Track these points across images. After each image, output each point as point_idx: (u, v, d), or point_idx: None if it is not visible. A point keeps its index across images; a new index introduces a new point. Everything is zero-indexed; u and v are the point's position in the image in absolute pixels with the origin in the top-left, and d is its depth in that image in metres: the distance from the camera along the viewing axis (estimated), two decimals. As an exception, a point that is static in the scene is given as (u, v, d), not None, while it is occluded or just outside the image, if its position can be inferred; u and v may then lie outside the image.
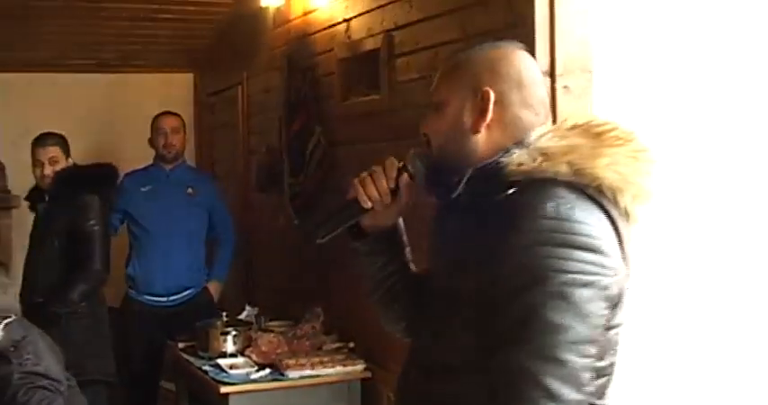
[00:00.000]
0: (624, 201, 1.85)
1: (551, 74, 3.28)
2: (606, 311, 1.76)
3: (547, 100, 2.05)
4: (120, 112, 7.44)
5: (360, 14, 4.72)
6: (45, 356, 3.26)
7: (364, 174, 2.08)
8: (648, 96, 3.44)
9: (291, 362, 4.46)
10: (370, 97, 4.61)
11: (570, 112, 3.21)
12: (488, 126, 1.95)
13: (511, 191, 1.84)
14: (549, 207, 1.76)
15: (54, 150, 5.13)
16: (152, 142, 5.86)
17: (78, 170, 5.19)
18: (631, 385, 3.14)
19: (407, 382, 2.07)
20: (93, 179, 5.15)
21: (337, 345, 4.74)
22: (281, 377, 4.42)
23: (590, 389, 1.74)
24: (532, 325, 1.71)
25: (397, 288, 2.22)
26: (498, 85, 1.95)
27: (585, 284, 1.72)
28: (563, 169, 1.83)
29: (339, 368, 4.48)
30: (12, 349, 3.17)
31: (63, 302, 4.88)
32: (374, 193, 2.04)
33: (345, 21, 4.88)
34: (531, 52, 3.16)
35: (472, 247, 1.86)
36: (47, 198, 5.11)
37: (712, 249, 3.59)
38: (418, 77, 4.14)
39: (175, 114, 5.96)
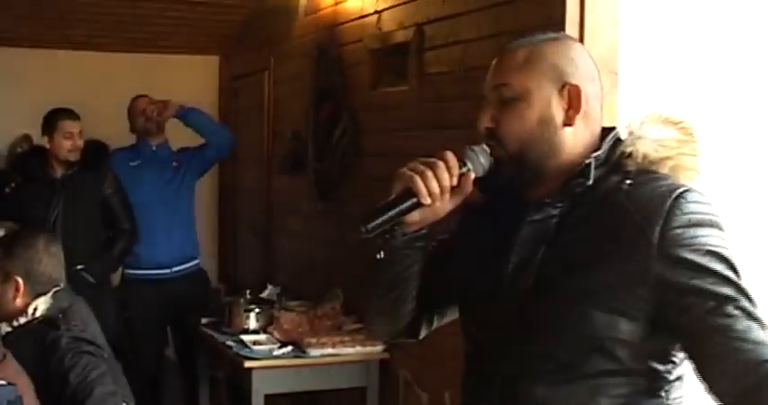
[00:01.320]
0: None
1: (578, 74, 3.41)
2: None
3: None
4: (147, 92, 7.55)
5: (391, 7, 4.86)
6: (91, 324, 3.39)
7: (420, 166, 1.92)
8: (672, 98, 3.55)
9: (313, 340, 4.62)
10: (399, 88, 4.75)
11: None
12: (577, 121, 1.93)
13: (628, 180, 1.86)
14: (694, 193, 1.81)
15: (81, 124, 5.37)
16: (133, 124, 5.98)
17: (99, 143, 5.51)
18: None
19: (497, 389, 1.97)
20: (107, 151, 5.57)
21: (357, 325, 4.89)
22: (302, 354, 4.59)
23: None
24: (725, 288, 1.76)
25: (411, 288, 2.12)
26: (580, 77, 1.93)
27: (733, 259, 1.80)
28: (671, 163, 1.88)
29: (359, 348, 4.64)
30: (60, 316, 3.30)
31: (106, 264, 5.30)
32: (435, 189, 1.90)
33: (377, 12, 5.02)
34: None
35: (604, 238, 1.83)
36: (70, 169, 5.30)
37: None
38: (447, 71, 4.28)
39: (142, 96, 6.06)
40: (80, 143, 5.31)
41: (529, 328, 1.91)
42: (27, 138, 7.36)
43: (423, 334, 2.26)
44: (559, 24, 3.45)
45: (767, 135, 3.76)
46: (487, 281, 2.00)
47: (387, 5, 4.91)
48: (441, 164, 1.91)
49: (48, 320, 3.29)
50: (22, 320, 3.32)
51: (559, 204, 1.92)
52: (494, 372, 1.98)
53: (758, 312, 1.76)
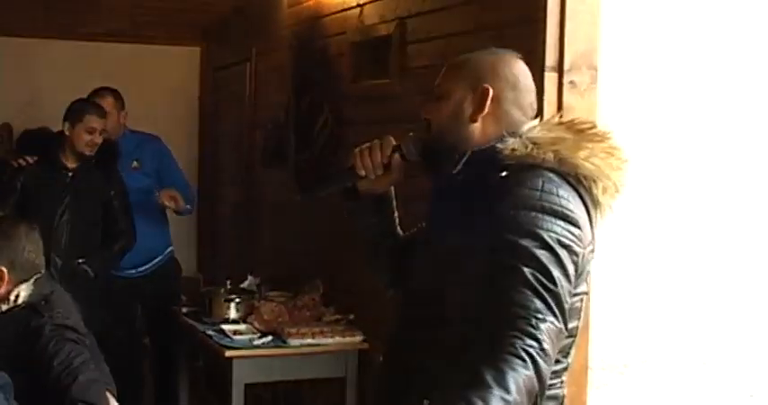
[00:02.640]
0: (597, 191, 2.20)
1: (559, 69, 3.45)
2: (573, 274, 2.08)
3: (535, 105, 2.38)
4: (128, 82, 7.54)
5: (373, 0, 4.89)
6: (73, 311, 3.42)
7: (365, 145, 2.44)
8: (651, 93, 3.60)
9: (293, 330, 4.66)
10: (380, 81, 4.78)
11: (575, 106, 3.42)
12: (484, 117, 2.30)
13: (504, 173, 2.17)
14: (539, 182, 2.12)
15: (105, 122, 5.25)
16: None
17: (112, 142, 5.42)
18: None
19: (398, 331, 2.42)
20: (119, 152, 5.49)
21: (337, 316, 4.94)
22: (282, 344, 4.62)
23: (566, 322, 2.05)
24: (524, 260, 2.03)
25: (384, 246, 2.63)
26: (496, 83, 2.31)
27: (564, 246, 2.07)
28: (549, 157, 2.18)
29: (338, 338, 4.68)
30: (43, 303, 3.32)
31: (107, 260, 5.29)
32: (368, 164, 2.41)
33: (359, 6, 5.04)
34: (541, 48, 3.42)
35: (471, 218, 2.19)
36: (82, 163, 5.22)
37: (710, 241, 3.76)
38: (428, 65, 4.31)
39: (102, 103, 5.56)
40: (99, 140, 5.20)
41: (424, 291, 2.34)
42: (6, 126, 7.38)
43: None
44: (540, 20, 3.49)
45: (749, 128, 3.80)
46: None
47: (369, -1, 4.95)
48: (376, 145, 2.43)
49: (31, 307, 3.31)
50: (4, 308, 3.33)
51: (452, 189, 2.33)
52: (392, 334, 2.46)
53: (542, 284, 2.00)
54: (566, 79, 3.47)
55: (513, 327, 1.95)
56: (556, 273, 2.02)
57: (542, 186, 2.11)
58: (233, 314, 5.01)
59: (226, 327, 4.82)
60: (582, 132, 2.26)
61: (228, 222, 7.22)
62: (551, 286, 2.01)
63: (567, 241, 2.07)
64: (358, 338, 4.70)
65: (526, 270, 2.00)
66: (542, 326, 1.96)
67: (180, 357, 5.67)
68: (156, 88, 6.70)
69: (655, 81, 3.65)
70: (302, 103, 5.65)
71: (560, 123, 2.32)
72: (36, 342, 3.18)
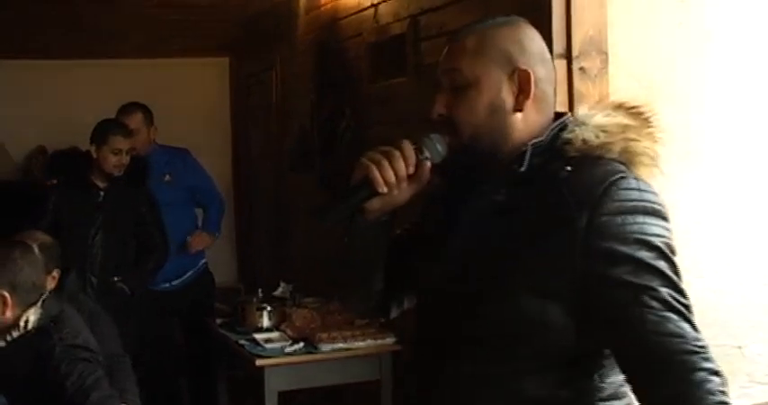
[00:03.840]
0: (642, 177, 1.91)
1: (568, 56, 3.38)
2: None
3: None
4: (160, 96, 7.58)
5: (387, 0, 4.86)
6: (82, 329, 3.41)
7: (377, 155, 1.94)
8: (662, 78, 3.53)
9: (324, 335, 4.63)
10: (397, 80, 4.75)
11: (587, 93, 3.36)
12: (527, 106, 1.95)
13: (569, 167, 1.86)
14: (630, 179, 1.82)
15: (131, 141, 5.25)
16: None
17: (141, 159, 5.41)
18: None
19: (430, 357, 2.03)
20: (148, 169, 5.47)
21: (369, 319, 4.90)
22: (314, 350, 4.59)
23: None
24: (646, 277, 1.77)
25: (378, 269, 2.15)
26: (529, 61, 1.94)
27: (670, 248, 1.81)
28: (618, 147, 1.89)
29: (370, 341, 4.64)
30: (52, 325, 3.32)
31: (144, 277, 5.30)
32: (391, 178, 1.92)
33: (373, 6, 5.02)
34: (549, 34, 3.35)
35: (538, 223, 1.84)
36: (112, 182, 5.21)
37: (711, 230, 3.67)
38: (442, 61, 4.27)
39: (130, 120, 5.64)
40: (126, 160, 5.17)
41: (460, 312, 1.93)
42: (41, 149, 7.44)
43: (393, 314, 2.31)
44: (547, 7, 3.44)
45: (760, 112, 3.72)
46: (429, 266, 2.03)
47: (383, -2, 4.92)
48: (397, 153, 1.92)
49: (40, 331, 3.30)
50: (16, 334, 3.32)
51: (502, 190, 1.92)
52: (430, 353, 2.02)
53: (680, 302, 1.76)
54: (575, 66, 3.40)
55: (694, 366, 1.71)
56: (681, 283, 1.78)
57: (638, 185, 1.82)
58: (266, 322, 4.99)
59: (258, 335, 4.81)
60: (638, 117, 1.94)
61: (264, 230, 7.21)
62: (685, 300, 1.77)
63: (672, 242, 1.82)
64: (390, 340, 4.66)
65: (663, 290, 1.76)
66: (709, 353, 1.74)
67: (217, 368, 5.67)
68: (186, 101, 6.70)
69: (667, 64, 3.57)
70: (324, 106, 5.64)
71: (617, 107, 1.96)
72: (48, 364, 3.18)
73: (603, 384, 1.88)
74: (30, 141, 7.39)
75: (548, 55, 2.00)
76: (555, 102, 2.00)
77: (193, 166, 6.01)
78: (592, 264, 1.79)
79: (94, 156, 5.15)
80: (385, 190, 1.92)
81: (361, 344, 4.62)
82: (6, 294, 3.30)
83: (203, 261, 6.00)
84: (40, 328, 3.30)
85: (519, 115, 1.93)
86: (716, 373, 1.72)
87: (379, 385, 4.72)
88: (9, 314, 3.31)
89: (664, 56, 3.54)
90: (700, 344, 1.73)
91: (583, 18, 3.43)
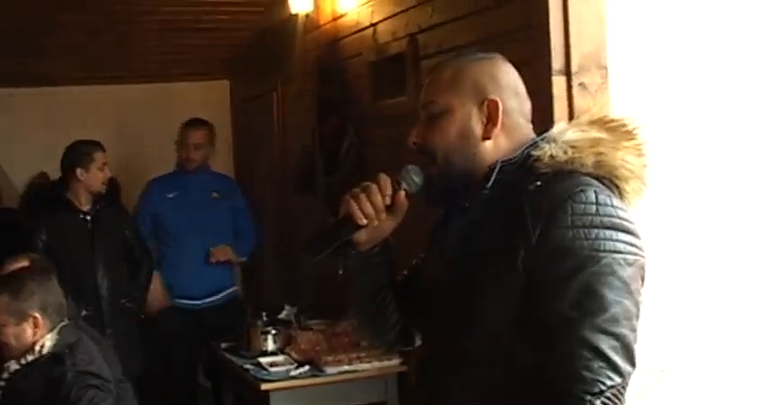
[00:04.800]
0: (629, 191, 1.98)
1: (567, 72, 3.36)
2: (641, 289, 1.89)
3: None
4: (159, 120, 7.59)
5: (385, 19, 4.86)
6: (96, 357, 3.43)
7: (357, 190, 2.07)
8: (664, 91, 3.51)
9: (330, 358, 4.60)
10: (397, 99, 4.73)
11: (586, 108, 3.33)
12: (496, 133, 2.04)
13: (538, 182, 1.92)
14: (590, 193, 1.87)
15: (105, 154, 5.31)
16: (178, 149, 6.01)
17: (111, 177, 5.47)
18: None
19: (433, 374, 2.10)
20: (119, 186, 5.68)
21: (375, 341, 4.87)
22: (319, 373, 4.56)
23: (635, 361, 1.86)
24: (590, 302, 1.81)
25: (387, 300, 2.26)
26: (501, 93, 2.04)
27: (630, 264, 1.85)
28: (589, 161, 1.94)
29: (376, 363, 4.60)
30: (66, 351, 3.35)
31: (141, 292, 5.45)
32: (370, 211, 2.05)
33: (372, 25, 5.02)
34: (547, 51, 3.33)
35: (502, 237, 1.91)
36: (96, 204, 5.28)
37: (722, 242, 3.65)
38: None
39: (204, 125, 6.01)
40: (109, 173, 5.29)
41: (444, 322, 2.05)
42: (43, 175, 7.42)
43: (418, 341, 2.35)
44: (544, 24, 3.41)
45: (759, 126, 3.70)
46: (431, 282, 2.14)
47: (381, 17, 4.92)
48: (373, 187, 2.07)
49: (54, 356, 3.34)
50: (30, 358, 3.38)
51: (478, 208, 2.02)
52: (432, 362, 2.11)
53: (606, 333, 1.80)
54: (575, 81, 3.38)
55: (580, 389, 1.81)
56: (621, 309, 1.82)
57: (597, 198, 1.87)
58: (270, 346, 4.95)
59: (263, 359, 4.78)
60: (615, 131, 2.01)
61: (269, 253, 7.18)
62: (616, 330, 1.81)
63: (632, 258, 1.86)
64: (396, 362, 4.62)
65: (587, 326, 1.80)
66: (611, 392, 1.80)
67: (226, 393, 5.64)
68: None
69: (668, 78, 3.55)
70: (327, 126, 5.63)
71: (592, 122, 2.04)
72: (59, 390, 3.21)
73: None
74: (32, 168, 7.39)
75: (522, 89, 2.10)
76: (528, 129, 2.09)
77: (238, 193, 6.23)
78: (537, 276, 1.85)
79: (81, 178, 5.20)
80: (365, 222, 2.06)
81: (366, 366, 4.59)
82: (39, 316, 3.36)
83: (234, 288, 6.08)
84: (55, 353, 3.33)
85: (488, 143, 2.04)
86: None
87: (385, 407, 4.69)
88: (37, 336, 3.37)
89: (663, 70, 3.53)
90: (595, 390, 1.78)
91: (581, 34, 3.41)
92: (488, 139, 2.03)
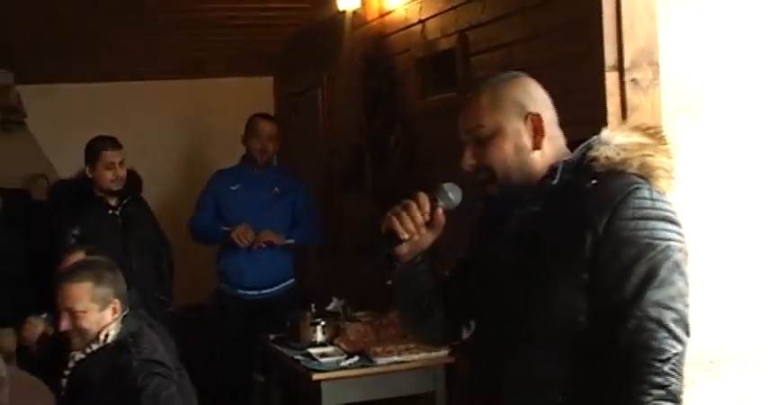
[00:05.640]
0: (663, 189, 2.21)
1: (620, 68, 3.42)
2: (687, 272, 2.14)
3: None
4: (205, 116, 7.70)
5: (434, 16, 4.92)
6: (158, 346, 3.51)
7: (398, 208, 2.33)
8: (713, 88, 3.54)
9: (379, 349, 4.67)
10: (447, 95, 4.79)
11: (639, 104, 3.38)
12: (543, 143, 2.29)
13: (594, 181, 2.17)
14: (645, 190, 2.13)
15: (122, 153, 5.36)
16: (246, 142, 6.04)
17: (133, 171, 5.54)
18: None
19: (488, 358, 2.32)
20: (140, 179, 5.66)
21: (422, 332, 4.93)
22: (369, 363, 4.64)
23: (690, 332, 2.10)
24: (651, 283, 2.05)
25: (433, 303, 2.49)
26: (538, 106, 2.29)
27: (680, 250, 2.11)
28: (636, 163, 2.18)
29: (424, 354, 4.67)
30: (130, 340, 3.43)
31: (166, 285, 5.57)
32: (410, 227, 2.31)
33: (421, 22, 5.08)
34: (600, 47, 3.39)
35: (566, 228, 2.15)
36: (123, 199, 5.39)
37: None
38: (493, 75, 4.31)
39: (272, 119, 6.13)
40: (122, 173, 5.31)
41: (509, 308, 2.25)
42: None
43: (465, 335, 2.60)
44: (596, 20, 3.47)
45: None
46: (483, 272, 2.38)
47: (430, 14, 4.97)
48: (413, 204, 2.33)
49: (119, 344, 3.43)
50: (95, 347, 3.46)
51: (538, 201, 2.25)
52: (485, 346, 2.35)
53: (670, 309, 2.04)
54: (627, 77, 3.43)
55: (644, 378, 2.02)
56: (679, 287, 2.07)
57: (651, 195, 2.13)
58: (319, 337, 5.03)
59: (313, 350, 4.85)
60: (653, 136, 2.26)
61: (315, 247, 7.25)
62: (676, 306, 2.06)
63: (680, 245, 2.11)
64: (444, 353, 4.69)
65: (652, 300, 2.04)
66: (670, 368, 2.02)
67: (274, 384, 5.71)
68: (230, 121, 6.75)
69: (718, 73, 3.58)
70: (374, 123, 5.69)
71: (633, 128, 2.30)
72: (124, 377, 3.28)
73: None
74: (76, 164, 7.48)
75: (549, 100, 2.34)
76: (563, 137, 2.34)
77: (305, 197, 6.23)
78: (603, 261, 2.09)
79: (90, 175, 5.28)
80: (406, 237, 2.33)
81: (415, 357, 4.66)
82: (118, 302, 3.50)
83: (292, 280, 6.16)
84: (119, 342, 3.41)
85: (537, 153, 2.27)
86: (662, 387, 2.00)
87: (433, 397, 4.75)
88: (111, 320, 3.47)
89: (713, 66, 3.56)
90: (663, 357, 2.02)
91: (633, 30, 3.46)
92: (538, 149, 2.27)
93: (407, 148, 5.28)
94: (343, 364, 4.66)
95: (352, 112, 6.13)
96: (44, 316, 3.87)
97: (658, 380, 2.00)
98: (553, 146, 2.29)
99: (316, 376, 4.58)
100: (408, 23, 5.24)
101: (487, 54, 4.39)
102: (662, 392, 2.00)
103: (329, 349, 4.88)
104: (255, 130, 6.00)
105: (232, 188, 5.97)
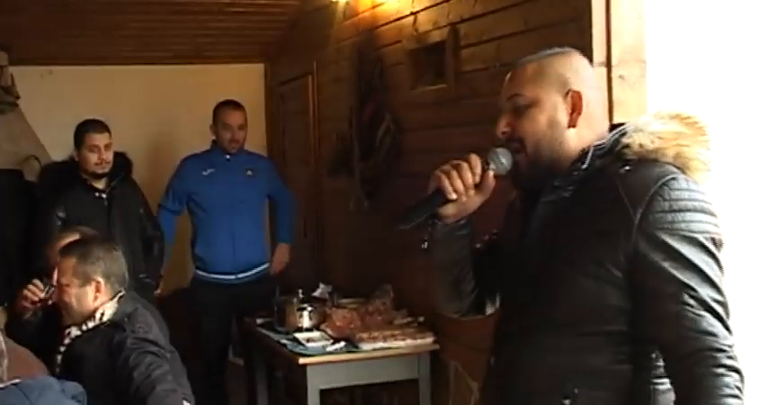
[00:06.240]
0: (697, 180, 2.17)
1: (608, 64, 3.51)
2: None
3: None
4: (195, 101, 7.71)
5: (426, 8, 4.97)
6: (153, 326, 3.58)
7: (448, 166, 2.28)
8: (700, 85, 3.62)
9: (365, 335, 4.76)
10: (437, 86, 4.87)
11: (625, 100, 3.47)
12: (579, 122, 2.25)
13: (627, 167, 2.14)
14: (681, 180, 2.09)
15: (108, 136, 5.42)
16: (215, 132, 6.15)
17: (123, 155, 5.62)
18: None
19: (509, 340, 2.32)
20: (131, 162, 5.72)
21: (407, 319, 5.03)
22: (355, 349, 4.72)
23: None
24: (693, 275, 2.02)
25: (465, 270, 2.47)
26: (581, 85, 2.26)
27: (716, 242, 2.08)
28: (671, 152, 2.15)
29: (409, 341, 4.77)
30: (126, 319, 3.51)
31: (155, 269, 5.65)
32: (459, 186, 2.25)
33: (413, 14, 5.13)
34: (589, 43, 3.47)
35: (597, 216, 2.13)
36: (111, 181, 5.46)
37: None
38: (482, 68, 4.39)
39: (240, 108, 6.19)
40: (107, 156, 5.36)
41: (534, 294, 2.24)
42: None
43: (489, 310, 2.61)
44: (587, 16, 3.55)
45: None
46: (511, 256, 2.36)
47: (422, 7, 5.03)
48: (464, 164, 2.26)
49: (114, 324, 3.50)
50: (91, 325, 3.54)
51: (569, 187, 2.22)
52: (506, 331, 2.35)
53: (717, 301, 2.02)
54: (615, 74, 3.52)
55: (717, 362, 1.96)
56: (720, 280, 2.04)
57: (688, 185, 2.09)
58: (306, 322, 5.12)
59: (299, 335, 4.94)
60: (692, 126, 2.22)
61: (300, 233, 7.33)
62: (721, 298, 2.03)
63: (718, 237, 2.08)
64: (429, 340, 4.78)
65: (701, 290, 2.01)
66: (735, 351, 1.99)
67: (258, 368, 5.80)
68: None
69: (705, 72, 3.66)
70: (364, 112, 5.75)
71: (672, 117, 2.24)
72: (118, 355, 3.35)
73: (660, 363, 2.11)
74: (67, 147, 7.52)
75: (596, 82, 2.33)
76: (605, 120, 2.31)
77: (273, 169, 6.59)
78: (641, 253, 2.06)
79: (76, 159, 5.35)
80: (454, 197, 2.26)
81: (400, 343, 4.75)
82: (101, 281, 3.52)
83: (267, 265, 6.30)
84: (114, 321, 3.49)
85: (573, 131, 2.24)
86: (736, 371, 1.97)
87: (416, 384, 4.84)
88: (99, 301, 3.54)
89: (701, 64, 3.64)
90: (728, 343, 1.98)
91: (622, 28, 3.54)
92: (573, 127, 2.24)
93: (397, 138, 5.35)
94: (329, 349, 4.74)
95: (342, 101, 6.19)
96: (48, 287, 3.94)
97: (730, 362, 1.96)
98: (592, 127, 2.26)
99: (302, 360, 4.66)
100: (400, 15, 5.30)
101: (478, 47, 4.46)
102: (738, 376, 1.97)
103: (315, 334, 4.96)
104: (225, 122, 6.10)
105: (204, 173, 6.07)
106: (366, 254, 5.98)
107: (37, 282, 3.91)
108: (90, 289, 3.55)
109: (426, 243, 2.42)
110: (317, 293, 5.65)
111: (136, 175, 5.86)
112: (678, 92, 3.57)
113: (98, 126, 5.40)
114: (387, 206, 5.52)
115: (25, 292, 3.88)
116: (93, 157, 5.32)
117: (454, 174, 2.25)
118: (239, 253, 6.04)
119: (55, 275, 3.67)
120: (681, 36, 3.66)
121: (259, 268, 6.17)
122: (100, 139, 5.34)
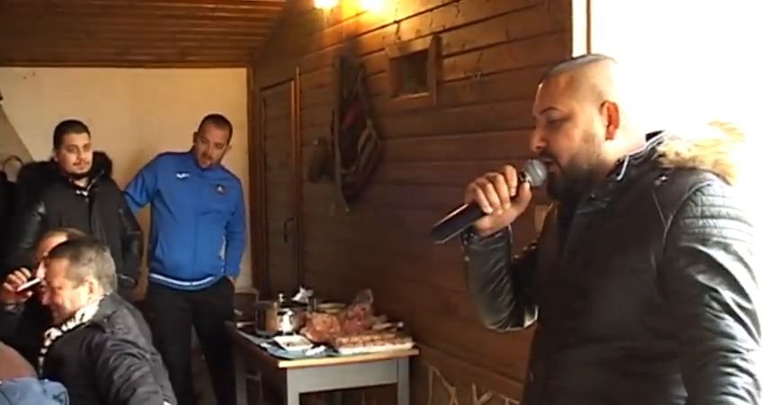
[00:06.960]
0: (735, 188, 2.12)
1: (588, 76, 3.56)
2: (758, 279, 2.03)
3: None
4: (178, 105, 7.74)
5: (409, 17, 5.02)
6: (133, 328, 3.61)
7: (483, 179, 2.24)
8: (680, 96, 3.67)
9: (344, 340, 4.80)
10: (419, 95, 4.92)
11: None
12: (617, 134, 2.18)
13: (664, 177, 2.07)
14: (717, 186, 2.03)
15: (87, 137, 5.44)
16: (195, 141, 6.21)
17: (103, 155, 5.65)
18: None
19: (549, 350, 2.26)
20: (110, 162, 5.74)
21: (387, 325, 5.07)
22: (334, 354, 4.77)
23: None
24: (725, 284, 1.95)
25: (504, 282, 2.43)
26: (617, 94, 2.18)
27: (751, 251, 2.00)
28: (710, 160, 2.08)
29: (389, 346, 4.82)
30: (105, 320, 3.54)
31: (133, 267, 5.67)
32: (495, 200, 2.21)
33: (396, 22, 5.18)
34: (569, 54, 3.51)
35: (632, 226, 2.06)
36: (91, 180, 5.47)
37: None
38: (464, 77, 4.44)
39: (227, 125, 6.26)
40: (86, 156, 5.38)
41: (573, 307, 2.19)
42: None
43: (528, 322, 2.56)
44: (567, 30, 3.61)
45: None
46: (549, 268, 2.32)
47: (405, 15, 5.08)
48: (500, 177, 2.23)
49: (94, 325, 3.53)
50: (71, 325, 3.57)
51: (605, 198, 2.17)
52: (543, 342, 2.31)
53: (740, 306, 1.94)
54: (595, 85, 3.56)
55: (730, 362, 1.89)
56: (751, 288, 1.96)
57: (723, 191, 2.02)
58: (286, 327, 5.16)
59: (279, 339, 4.98)
60: (731, 132, 2.15)
61: (280, 238, 7.37)
62: (748, 305, 1.94)
63: (753, 247, 2.01)
64: (408, 345, 4.83)
65: (726, 293, 1.94)
66: (754, 357, 1.91)
67: (236, 371, 5.83)
68: (205, 110, 6.83)
69: (684, 81, 3.71)
70: (346, 119, 5.79)
71: (711, 123, 2.17)
72: (98, 356, 3.38)
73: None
74: (49, 148, 7.52)
75: (635, 89, 2.22)
76: (644, 126, 2.23)
77: (241, 195, 6.57)
78: (669, 258, 2.00)
79: (56, 159, 5.37)
80: (490, 210, 2.23)
81: (380, 348, 4.80)
82: (94, 282, 3.58)
83: (223, 272, 6.33)
84: (94, 322, 3.52)
85: (610, 143, 2.18)
86: (748, 373, 1.89)
87: (395, 388, 4.89)
88: (89, 301, 3.59)
89: (679, 77, 3.70)
90: (746, 346, 1.91)
91: (602, 40, 3.59)
92: (610, 139, 2.17)
93: (378, 145, 5.39)
94: (309, 353, 4.78)
95: (324, 107, 6.23)
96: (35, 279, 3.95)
97: (743, 364, 1.89)
98: (629, 137, 2.18)
99: (282, 364, 4.70)
100: (383, 23, 5.35)
101: (460, 56, 4.51)
102: (750, 379, 1.89)
103: (295, 338, 5.00)
104: (204, 136, 6.15)
105: (179, 176, 6.13)
106: (346, 259, 6.02)
107: (24, 269, 3.93)
108: (83, 290, 3.60)
109: (467, 258, 2.40)
110: (297, 298, 5.69)
111: (117, 177, 5.90)
112: (658, 104, 3.62)
113: (77, 126, 5.42)
114: (367, 212, 5.57)
115: (11, 276, 3.90)
116: (72, 157, 5.34)
117: (490, 187, 2.22)
118: (199, 262, 6.13)
119: (40, 273, 3.70)
120: (661, 49, 3.70)
121: (211, 278, 6.24)
122: (79, 139, 5.37)
